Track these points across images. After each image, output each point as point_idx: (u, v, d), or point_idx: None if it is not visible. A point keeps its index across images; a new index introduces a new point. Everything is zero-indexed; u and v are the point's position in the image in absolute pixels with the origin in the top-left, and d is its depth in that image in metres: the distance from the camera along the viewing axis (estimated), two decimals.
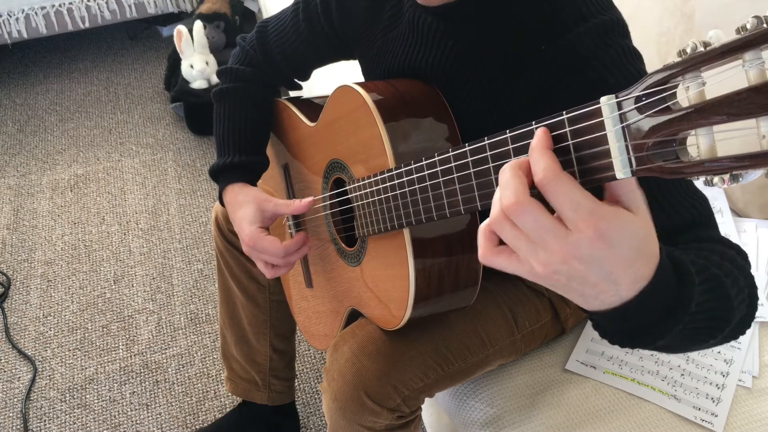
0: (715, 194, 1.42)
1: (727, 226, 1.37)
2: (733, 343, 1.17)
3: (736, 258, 0.75)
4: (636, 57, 0.85)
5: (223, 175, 1.21)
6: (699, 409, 1.09)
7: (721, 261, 0.72)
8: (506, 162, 0.61)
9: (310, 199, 1.11)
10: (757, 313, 1.19)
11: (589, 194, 0.52)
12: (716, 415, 1.08)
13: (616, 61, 0.82)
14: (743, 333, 0.74)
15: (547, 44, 0.85)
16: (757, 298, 0.75)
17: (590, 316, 0.62)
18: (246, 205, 1.15)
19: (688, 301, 0.61)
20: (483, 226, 0.57)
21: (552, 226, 0.52)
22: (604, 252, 0.52)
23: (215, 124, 1.25)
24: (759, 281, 1.25)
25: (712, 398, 1.10)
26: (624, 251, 0.53)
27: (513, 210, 0.53)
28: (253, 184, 1.22)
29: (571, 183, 0.52)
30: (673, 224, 0.78)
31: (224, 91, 1.24)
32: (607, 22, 0.84)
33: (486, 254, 0.58)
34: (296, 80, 1.29)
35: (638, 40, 0.88)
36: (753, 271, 1.27)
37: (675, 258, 0.62)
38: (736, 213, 1.42)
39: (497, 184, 0.63)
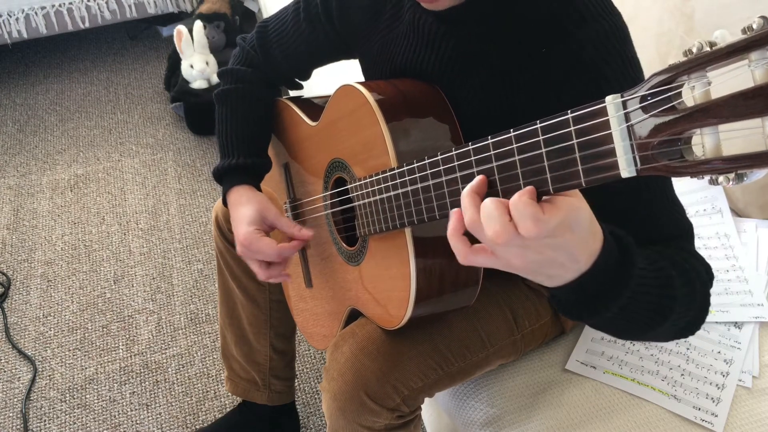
0: (715, 194, 1.43)
1: (727, 226, 1.37)
2: (733, 342, 1.17)
3: (698, 267, 0.82)
4: (635, 66, 0.85)
5: (227, 177, 1.22)
6: (699, 409, 1.09)
7: (679, 261, 0.80)
8: (510, 161, 0.62)
9: (309, 233, 1.15)
10: (758, 313, 1.20)
11: (554, 206, 0.58)
12: (716, 415, 1.08)
13: (616, 73, 0.83)
14: (686, 336, 0.84)
15: (548, 47, 0.85)
16: (708, 306, 0.83)
17: (552, 291, 0.70)
18: (248, 205, 1.16)
19: (631, 267, 0.69)
20: (452, 234, 0.66)
21: (531, 241, 0.59)
22: (569, 238, 0.60)
23: (218, 126, 1.25)
24: (759, 282, 1.25)
25: (712, 398, 1.10)
26: (582, 233, 0.61)
27: (499, 240, 0.59)
28: (258, 185, 1.22)
29: (550, 218, 0.58)
30: (650, 238, 0.84)
31: (226, 92, 1.24)
32: (607, 30, 0.84)
33: (466, 255, 0.65)
34: (297, 80, 1.29)
35: (638, 40, 0.88)
36: (753, 271, 1.28)
37: (616, 233, 0.69)
38: (736, 213, 1.43)
39: (501, 184, 0.64)
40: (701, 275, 0.82)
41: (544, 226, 0.57)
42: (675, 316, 0.77)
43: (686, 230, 0.87)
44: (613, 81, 0.83)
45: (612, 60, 0.83)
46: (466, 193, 0.63)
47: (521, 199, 0.58)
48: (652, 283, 0.73)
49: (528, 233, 0.57)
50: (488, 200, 0.60)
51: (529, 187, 0.60)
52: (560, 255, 0.61)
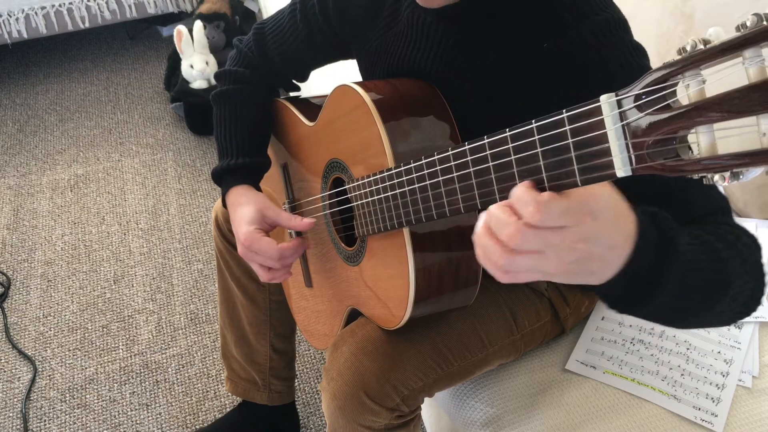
0: None
1: None
2: (733, 342, 1.17)
3: (742, 237, 0.78)
4: (640, 52, 0.85)
5: (226, 178, 1.21)
6: (699, 409, 1.09)
7: (723, 234, 0.75)
8: (506, 160, 0.61)
9: (311, 220, 1.11)
10: (758, 313, 1.20)
11: (565, 193, 0.56)
12: (716, 415, 1.08)
13: (620, 58, 0.82)
14: (749, 313, 0.78)
15: (549, 42, 0.85)
16: (764, 276, 0.78)
17: (599, 290, 0.66)
18: (247, 205, 1.15)
19: (673, 242, 0.66)
20: (482, 259, 0.61)
21: (552, 232, 0.57)
22: (592, 225, 0.57)
23: (216, 128, 1.25)
24: None
25: (712, 398, 1.10)
26: (607, 217, 0.58)
27: (515, 241, 0.57)
28: (257, 185, 1.22)
29: (548, 202, 0.55)
30: (691, 216, 0.80)
31: (223, 93, 1.24)
32: (609, 19, 0.84)
33: (504, 279, 0.61)
34: (294, 81, 1.29)
35: (638, 40, 0.88)
36: None
37: (647, 210, 0.66)
38: (736, 213, 1.42)
39: (497, 184, 0.64)
40: (749, 245, 0.77)
41: (546, 208, 0.55)
42: (732, 290, 0.73)
43: (723, 205, 0.84)
44: (616, 66, 0.82)
45: (615, 47, 0.83)
46: (481, 233, 0.61)
47: (520, 188, 0.57)
48: (701, 257, 0.70)
49: (531, 218, 0.56)
50: (492, 207, 0.59)
51: (529, 180, 0.59)
52: (594, 246, 0.58)
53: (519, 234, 0.56)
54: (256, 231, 1.12)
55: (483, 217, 0.61)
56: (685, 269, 0.66)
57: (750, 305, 0.78)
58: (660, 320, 0.75)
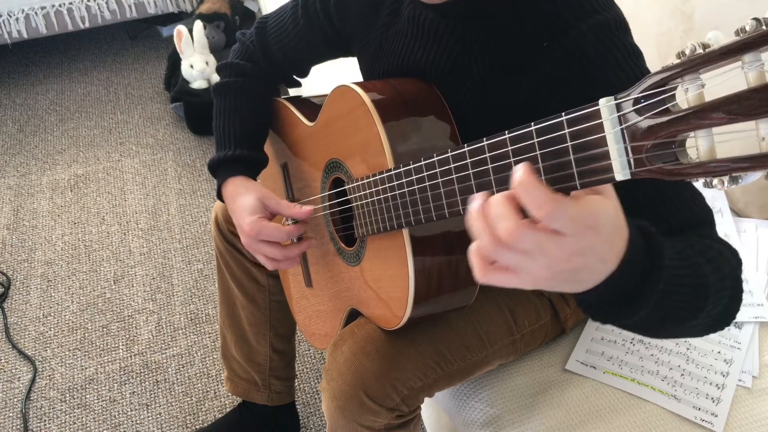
0: (715, 194, 1.42)
1: (727, 226, 1.37)
2: (733, 342, 1.17)
3: (724, 252, 0.78)
4: (638, 56, 0.85)
5: (222, 168, 1.20)
6: (699, 409, 1.09)
7: (704, 249, 0.76)
8: (505, 163, 0.61)
9: (310, 207, 1.11)
10: (758, 313, 1.20)
11: (576, 199, 0.54)
12: (716, 415, 1.08)
13: (619, 60, 0.82)
14: (723, 327, 0.78)
15: (550, 42, 0.85)
16: (741, 292, 0.78)
17: (578, 296, 0.65)
18: (246, 195, 1.14)
19: (660, 259, 0.64)
20: (473, 251, 0.59)
21: (550, 238, 0.54)
22: (595, 240, 0.55)
23: (215, 119, 1.24)
24: (759, 282, 1.25)
25: (712, 398, 1.10)
26: (607, 233, 0.56)
27: (512, 239, 0.55)
28: (254, 178, 1.21)
29: (564, 202, 0.53)
30: (671, 227, 0.81)
31: (224, 85, 1.23)
32: (609, 20, 0.84)
33: (484, 274, 0.59)
34: (295, 77, 1.29)
35: (638, 40, 0.88)
36: (753, 271, 1.27)
37: (641, 226, 0.65)
38: (736, 213, 1.42)
39: (496, 186, 0.64)
40: (729, 260, 0.77)
41: (561, 209, 0.53)
42: (709, 306, 0.73)
43: (707, 217, 0.83)
44: (617, 68, 0.82)
45: (615, 49, 0.83)
46: (475, 214, 0.58)
47: (524, 174, 0.53)
48: (684, 273, 0.69)
49: (543, 216, 0.53)
50: (495, 197, 0.56)
51: (528, 163, 0.55)
52: (588, 260, 0.57)
53: (519, 231, 0.54)
54: (259, 219, 1.11)
55: (478, 200, 0.58)
56: (665, 288, 0.66)
57: (723, 319, 0.77)
58: (631, 329, 0.74)
